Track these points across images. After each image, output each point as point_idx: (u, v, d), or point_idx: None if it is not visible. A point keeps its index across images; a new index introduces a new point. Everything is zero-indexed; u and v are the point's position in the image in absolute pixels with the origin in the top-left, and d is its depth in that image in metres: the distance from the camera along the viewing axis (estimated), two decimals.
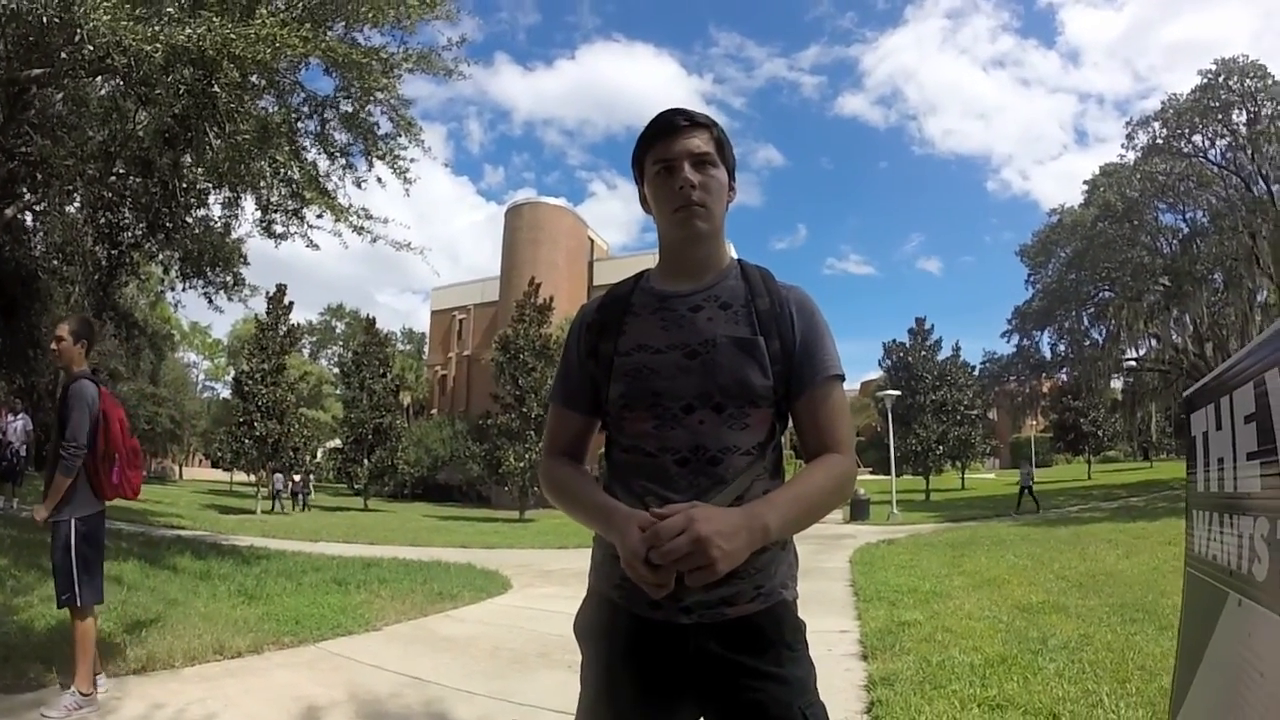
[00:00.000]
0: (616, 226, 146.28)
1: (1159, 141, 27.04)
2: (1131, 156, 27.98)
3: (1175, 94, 26.44)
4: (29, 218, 14.28)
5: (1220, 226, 25.07)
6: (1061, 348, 31.89)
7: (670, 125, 1.44)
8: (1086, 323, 30.98)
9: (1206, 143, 26.47)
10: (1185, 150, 26.64)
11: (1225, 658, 1.76)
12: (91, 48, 7.34)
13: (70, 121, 10.59)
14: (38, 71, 8.93)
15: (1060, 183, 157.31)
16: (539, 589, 9.12)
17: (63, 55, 8.50)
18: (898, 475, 26.27)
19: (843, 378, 1.46)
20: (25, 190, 12.42)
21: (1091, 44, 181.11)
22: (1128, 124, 28.71)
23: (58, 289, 17.32)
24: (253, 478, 30.83)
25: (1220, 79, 24.82)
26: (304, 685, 4.43)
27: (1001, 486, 39.08)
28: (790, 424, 1.48)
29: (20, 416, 14.11)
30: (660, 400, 1.37)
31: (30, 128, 10.61)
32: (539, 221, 47.92)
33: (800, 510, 1.29)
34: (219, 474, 37.75)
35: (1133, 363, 31.99)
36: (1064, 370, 33.63)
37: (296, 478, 30.16)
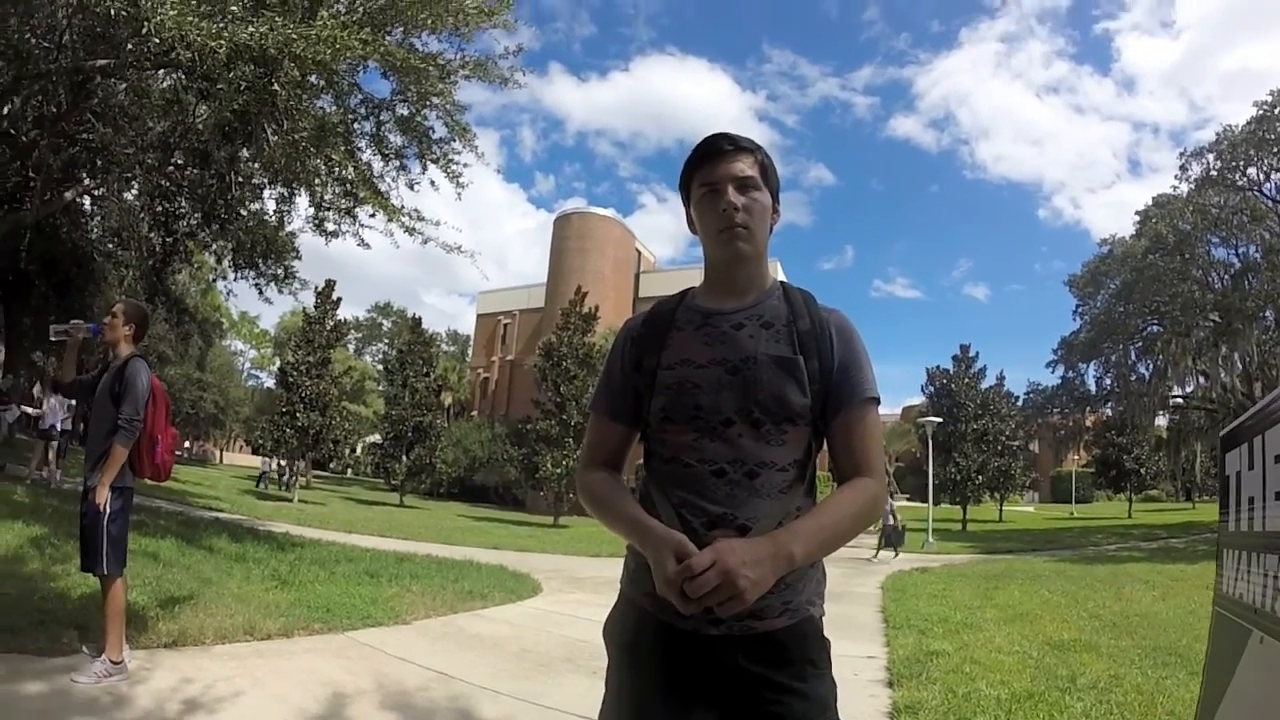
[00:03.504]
0: (665, 239, 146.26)
1: (1213, 173, 26.34)
2: (1184, 188, 27.33)
3: (1231, 125, 25.76)
4: (88, 202, 14.76)
5: (1273, 262, 24.34)
6: (1107, 381, 31.20)
7: (715, 149, 1.49)
8: (1134, 357, 30.27)
9: (1261, 176, 25.73)
10: (1239, 183, 25.94)
11: (1247, 694, 1.74)
12: (157, 41, 7.56)
13: (132, 112, 10.92)
14: (102, 62, 9.20)
15: (1112, 212, 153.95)
16: (569, 595, 9.16)
17: (128, 47, 8.75)
18: (935, 504, 25.85)
19: (878, 401, 1.48)
20: (85, 175, 12.85)
21: (1147, 72, 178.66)
22: (1181, 154, 28.11)
23: (112, 272, 17.89)
24: (293, 467, 31.65)
25: (1277, 111, 24.16)
26: (331, 671, 4.51)
27: (1041, 520, 38.37)
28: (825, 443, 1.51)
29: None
30: (701, 414, 1.41)
31: (93, 116, 10.97)
32: (587, 231, 48.19)
33: (826, 537, 1.32)
34: (257, 461, 38.44)
35: (1179, 400, 31.17)
36: (1109, 404, 32.88)
37: (282, 462, 32.11)
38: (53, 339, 4.18)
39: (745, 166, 1.47)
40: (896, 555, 18.22)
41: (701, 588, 1.15)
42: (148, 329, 4.45)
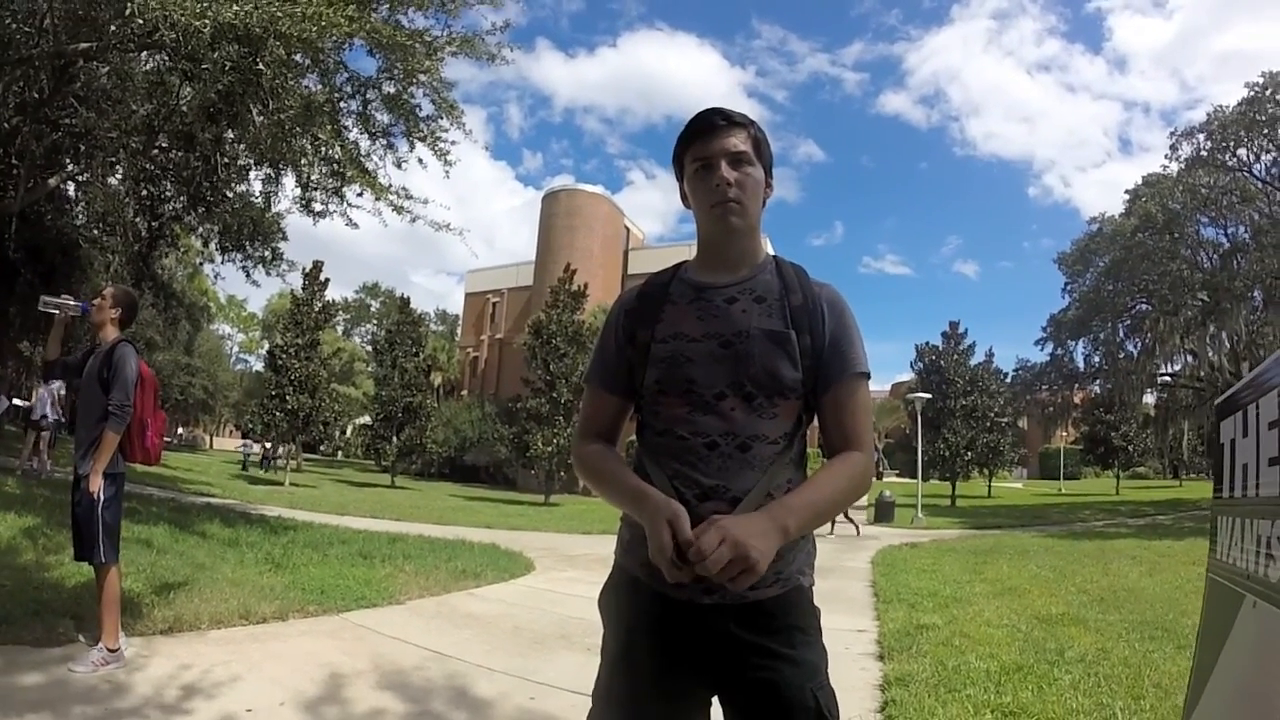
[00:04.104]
0: (653, 216, 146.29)
1: (1203, 154, 26.40)
2: (1175, 167, 27.41)
3: (1222, 106, 25.81)
4: (71, 188, 14.57)
5: (1262, 243, 24.45)
6: (1096, 359, 31.33)
7: (708, 124, 1.49)
8: (1122, 335, 30.43)
9: (1251, 157, 25.81)
10: (1229, 164, 26.00)
11: (1240, 658, 1.77)
12: (140, 22, 7.45)
13: (115, 95, 10.75)
14: (85, 45, 9.06)
15: (1102, 191, 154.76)
16: (562, 572, 9.20)
17: (111, 29, 8.61)
18: (924, 479, 26.02)
19: (868, 376, 1.50)
20: (69, 161, 12.68)
21: (1139, 51, 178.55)
22: (1172, 134, 28.17)
23: (98, 258, 17.69)
24: (282, 449, 31.70)
25: (1267, 92, 24.16)
26: (327, 653, 4.53)
27: (1029, 497, 38.64)
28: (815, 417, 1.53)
29: (55, 381, 14.37)
30: (694, 387, 1.42)
31: (76, 100, 10.80)
32: (576, 208, 47.90)
33: (818, 510, 1.36)
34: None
35: (1167, 378, 31.40)
36: (1097, 382, 33.03)
37: (268, 445, 33.09)
38: (41, 308, 4.16)
39: (738, 141, 1.48)
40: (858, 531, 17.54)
41: (716, 564, 1.16)
42: (136, 315, 4.42)
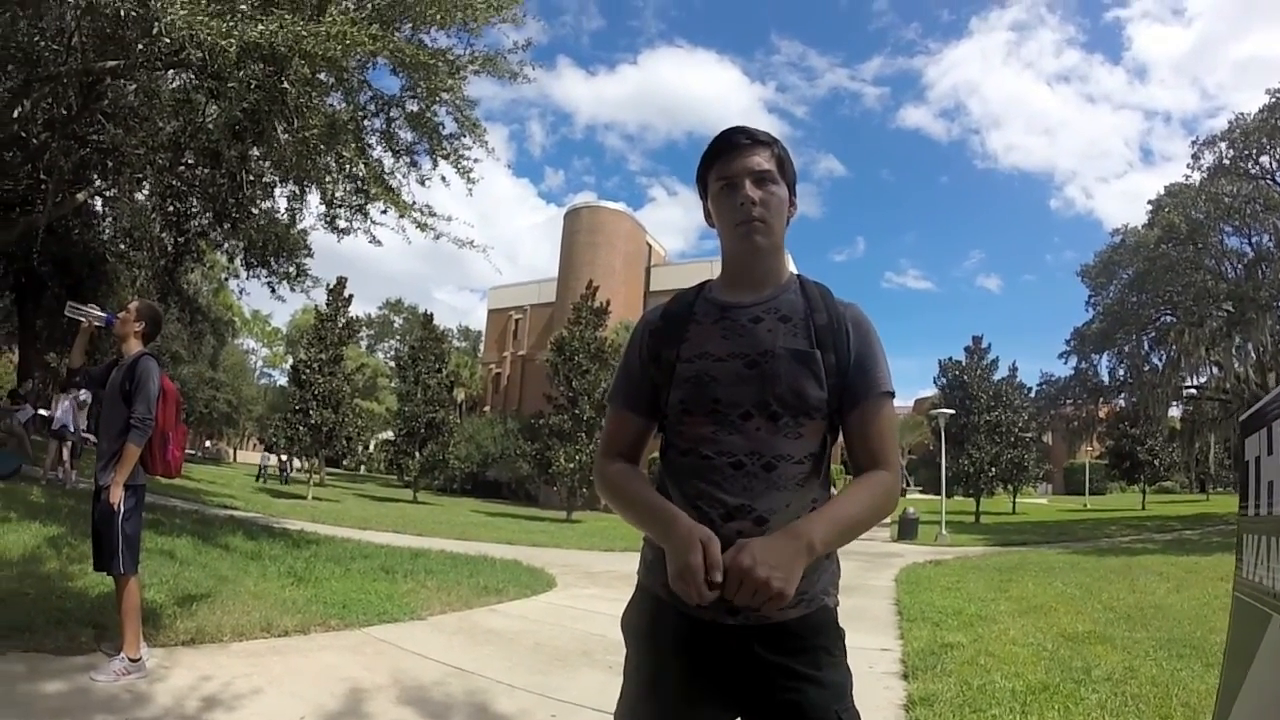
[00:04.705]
0: (675, 232, 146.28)
1: (1225, 162, 26.14)
2: (1197, 177, 27.10)
3: (1243, 114, 25.60)
4: (99, 203, 14.86)
5: None
6: (1120, 372, 30.98)
7: (732, 143, 1.50)
8: (1147, 347, 30.05)
9: (1274, 164, 25.51)
10: (1252, 172, 25.71)
11: (1268, 677, 1.74)
12: (167, 41, 7.59)
13: (142, 112, 10.95)
14: (112, 63, 9.24)
15: (1124, 202, 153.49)
16: (584, 589, 9.18)
17: (138, 48, 8.79)
18: (948, 496, 25.75)
19: (893, 395, 1.50)
20: (96, 176, 12.94)
21: (1159, 60, 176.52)
22: (1194, 143, 27.81)
23: (124, 272, 17.99)
24: (303, 463, 32.01)
25: None
26: (348, 668, 4.54)
27: (1054, 513, 38.15)
28: (840, 436, 1.52)
29: (81, 391, 14.46)
30: (719, 407, 1.42)
31: (103, 117, 11.01)
32: (598, 225, 48.08)
33: (844, 528, 1.35)
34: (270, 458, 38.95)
35: (1193, 391, 30.91)
36: (1122, 395, 32.63)
37: (283, 458, 34.67)
38: (68, 314, 4.22)
39: (762, 160, 1.48)
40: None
41: (752, 587, 1.17)
42: (159, 331, 4.48)
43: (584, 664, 5.18)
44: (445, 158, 10.13)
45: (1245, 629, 2.00)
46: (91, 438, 13.83)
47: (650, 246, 51.91)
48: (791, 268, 1.61)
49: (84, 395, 13.70)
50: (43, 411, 17.21)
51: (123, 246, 16.12)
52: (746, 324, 1.47)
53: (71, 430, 13.57)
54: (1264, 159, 25.58)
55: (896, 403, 1.55)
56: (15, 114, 10.64)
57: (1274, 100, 24.28)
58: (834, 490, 1.50)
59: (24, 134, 11.41)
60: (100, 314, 4.22)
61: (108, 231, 16.22)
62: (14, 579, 5.45)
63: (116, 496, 3.91)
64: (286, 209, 12.49)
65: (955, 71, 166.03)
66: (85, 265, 17.76)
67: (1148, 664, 5.31)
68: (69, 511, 8.76)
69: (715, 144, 1.52)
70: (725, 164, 1.49)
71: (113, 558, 3.92)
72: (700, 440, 1.43)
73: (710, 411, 1.42)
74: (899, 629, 6.97)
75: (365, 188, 9.97)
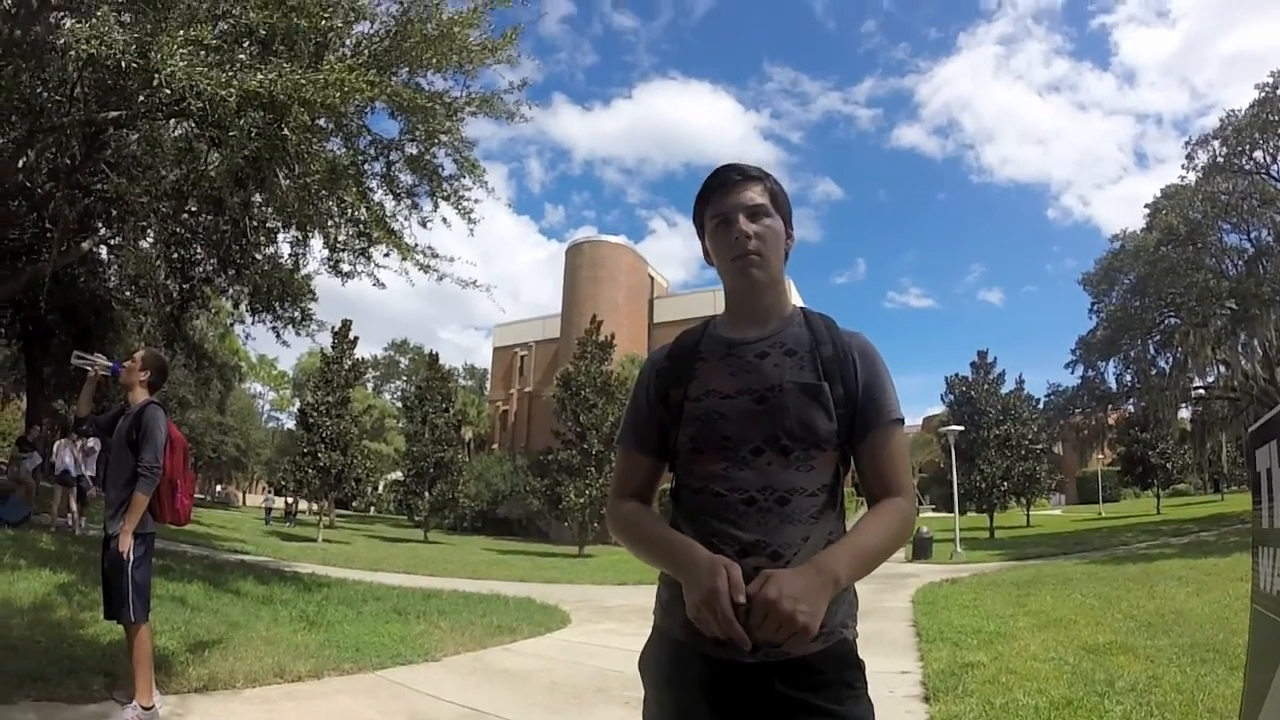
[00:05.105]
0: (677, 263, 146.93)
1: (1219, 160, 26.16)
2: (1192, 177, 27.10)
3: (1234, 110, 25.61)
4: (104, 251, 14.93)
5: None
6: (1128, 378, 30.83)
7: (724, 180, 1.53)
8: (1153, 351, 29.93)
9: (1268, 158, 25.52)
10: (1246, 167, 25.73)
11: None
12: (168, 91, 7.69)
13: (145, 161, 11.08)
14: (114, 113, 9.36)
15: (1121, 207, 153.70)
16: (598, 624, 9.13)
17: (140, 98, 8.90)
18: (961, 513, 25.55)
19: (903, 421, 1.51)
20: (101, 225, 13.05)
21: (1147, 63, 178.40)
22: (1187, 143, 27.81)
23: (130, 319, 18.08)
24: (314, 506, 32.06)
25: (1278, 92, 24.02)
26: (363, 712, 4.51)
27: (1069, 523, 37.82)
28: (852, 465, 1.52)
29: (90, 440, 14.46)
30: (729, 444, 1.43)
31: (106, 166, 11.14)
32: (599, 259, 48.39)
33: (867, 558, 1.36)
34: (278, 502, 39.11)
35: (1201, 391, 30.75)
36: (1130, 401, 32.48)
37: (289, 500, 35.88)
38: (74, 363, 4.27)
39: (755, 195, 1.51)
40: None
41: (776, 621, 1.18)
42: (165, 379, 4.50)
43: (601, 701, 5.14)
44: (446, 199, 10.22)
45: (1265, 642, 1.99)
46: (90, 480, 13.89)
47: (652, 278, 52.18)
48: (795, 298, 1.63)
49: (92, 442, 13.74)
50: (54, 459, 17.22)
51: (128, 294, 16.20)
52: (753, 360, 1.48)
53: (74, 475, 13.57)
54: (1258, 154, 25.62)
55: (905, 422, 1.55)
56: (20, 164, 10.78)
57: (1264, 94, 24.36)
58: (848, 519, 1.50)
59: (29, 184, 11.56)
60: (106, 363, 4.25)
61: (113, 279, 16.30)
62: (25, 626, 5.45)
63: (126, 545, 3.92)
64: (290, 254, 12.61)
65: (946, 88, 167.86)
66: (91, 312, 17.86)
67: (1171, 671, 5.26)
68: (79, 558, 8.76)
69: (708, 182, 1.54)
70: (719, 201, 1.52)
71: (123, 606, 3.91)
72: (712, 478, 1.43)
73: (721, 449, 1.43)
74: (918, 650, 6.92)
75: (367, 231, 10.04)
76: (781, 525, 1.37)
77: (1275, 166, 25.54)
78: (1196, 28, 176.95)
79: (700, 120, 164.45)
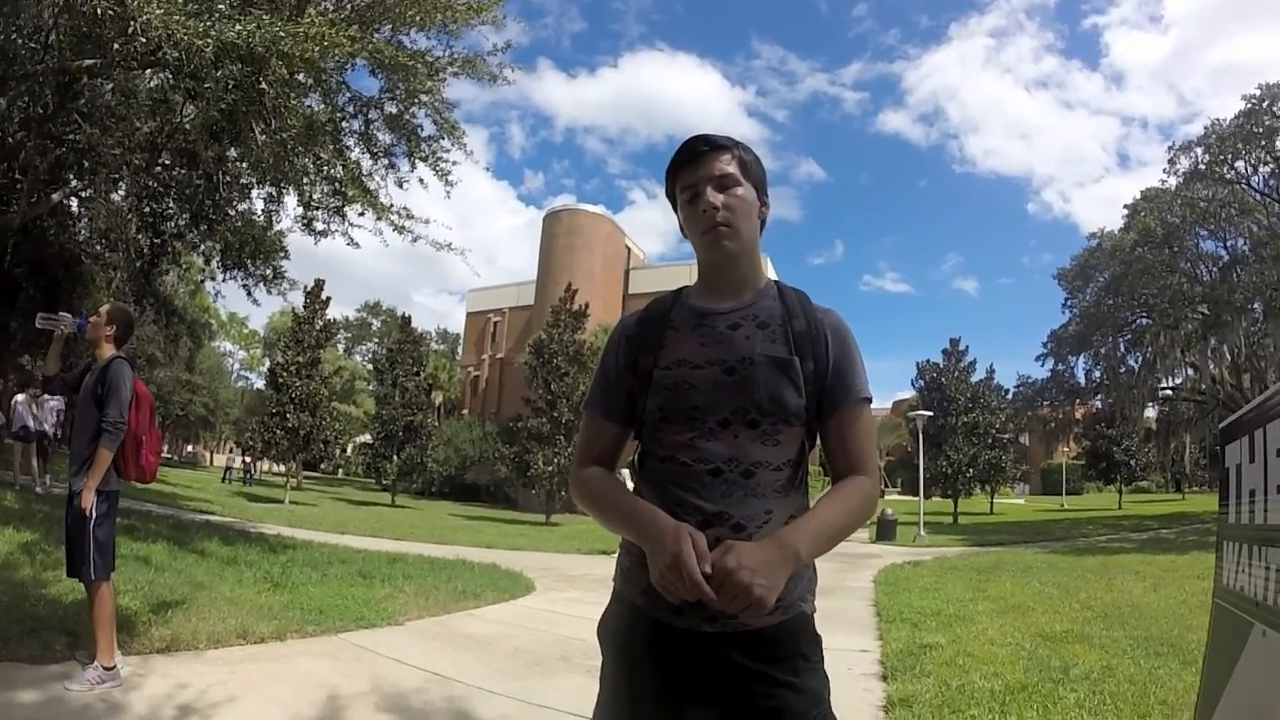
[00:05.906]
0: (654, 235, 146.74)
1: (1201, 167, 26.47)
2: (1173, 181, 27.46)
3: (1219, 119, 25.94)
4: (75, 203, 14.61)
5: (1261, 255, 24.54)
6: (1097, 374, 31.30)
7: (692, 152, 1.50)
8: (1123, 349, 30.41)
9: (1249, 169, 25.89)
10: (1228, 177, 26.07)
11: (1248, 688, 1.75)
12: (144, 40, 7.51)
13: (118, 112, 10.78)
14: (89, 62, 9.11)
15: (1101, 206, 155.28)
16: (562, 593, 9.15)
17: (115, 47, 8.66)
18: (926, 497, 25.90)
19: (870, 400, 1.51)
20: (72, 177, 12.74)
21: (1136, 66, 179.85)
22: (1170, 148, 28.12)
23: (100, 274, 17.71)
24: (282, 467, 31.87)
25: (1265, 105, 24.27)
26: (325, 674, 4.50)
27: (1031, 513, 38.53)
28: (818, 442, 1.52)
29: (55, 398, 14.19)
30: (698, 414, 1.42)
31: (79, 116, 10.84)
32: (577, 228, 48.06)
33: (828, 534, 1.35)
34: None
35: (1168, 392, 31.36)
36: (1098, 397, 33.00)
37: (248, 459, 36.15)
38: (39, 325, 4.20)
39: (723, 164, 1.48)
40: None
41: (733, 591, 1.17)
42: (132, 333, 4.42)
43: (563, 669, 5.16)
44: (423, 160, 10.07)
45: (1225, 637, 2.01)
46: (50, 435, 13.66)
47: (629, 249, 51.89)
48: (771, 273, 1.61)
49: (54, 402, 13.48)
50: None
51: (99, 248, 15.86)
52: (724, 331, 1.47)
53: (33, 430, 13.33)
54: (1239, 164, 25.93)
55: (875, 405, 1.55)
56: None
57: (1250, 106, 24.64)
58: (811, 495, 1.50)
59: None
60: (71, 320, 4.17)
61: (83, 232, 15.93)
62: None
63: (88, 502, 3.85)
64: (263, 211, 12.38)
65: (934, 77, 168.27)
66: (60, 267, 17.46)
67: (1125, 662, 5.36)
68: (43, 517, 8.62)
69: (677, 155, 1.52)
70: (688, 173, 1.50)
71: (84, 564, 3.86)
72: (678, 447, 1.42)
73: (689, 419, 1.42)
74: (878, 630, 7.00)
75: (343, 190, 9.90)
76: (745, 498, 1.37)
77: (1256, 177, 25.90)
78: (1188, 35, 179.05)
79: (685, 93, 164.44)
